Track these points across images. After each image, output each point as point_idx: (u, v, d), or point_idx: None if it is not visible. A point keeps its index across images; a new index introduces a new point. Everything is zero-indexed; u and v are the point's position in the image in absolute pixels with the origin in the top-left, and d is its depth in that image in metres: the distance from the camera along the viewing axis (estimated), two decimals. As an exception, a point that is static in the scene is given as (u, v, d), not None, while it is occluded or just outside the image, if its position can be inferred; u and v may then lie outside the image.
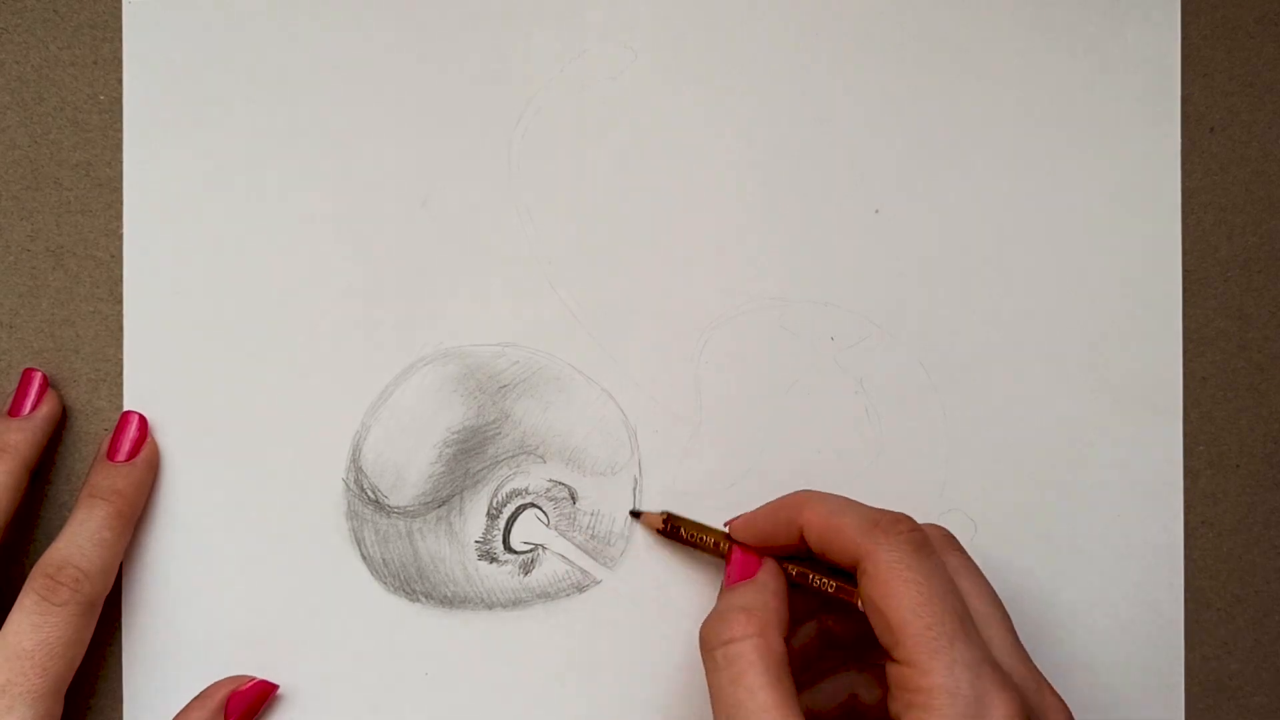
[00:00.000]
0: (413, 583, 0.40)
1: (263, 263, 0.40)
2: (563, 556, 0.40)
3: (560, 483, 0.40)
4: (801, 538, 0.35)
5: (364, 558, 0.40)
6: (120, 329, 0.39)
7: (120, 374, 0.39)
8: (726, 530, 0.39)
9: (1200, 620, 0.41)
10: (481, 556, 0.40)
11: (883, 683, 0.33)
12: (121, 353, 0.39)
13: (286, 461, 0.39)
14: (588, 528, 0.40)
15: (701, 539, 0.39)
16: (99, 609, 0.36)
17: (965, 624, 0.32)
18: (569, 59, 0.40)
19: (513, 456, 0.40)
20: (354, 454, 0.40)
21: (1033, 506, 0.41)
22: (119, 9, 0.39)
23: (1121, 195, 0.42)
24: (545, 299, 0.40)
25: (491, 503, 0.40)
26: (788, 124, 0.41)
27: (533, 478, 0.40)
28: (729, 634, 0.34)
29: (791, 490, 0.38)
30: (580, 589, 0.40)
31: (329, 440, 0.40)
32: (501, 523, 0.40)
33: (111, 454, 0.38)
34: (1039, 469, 0.41)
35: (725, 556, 0.38)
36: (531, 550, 0.40)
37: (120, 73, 0.39)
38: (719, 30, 0.41)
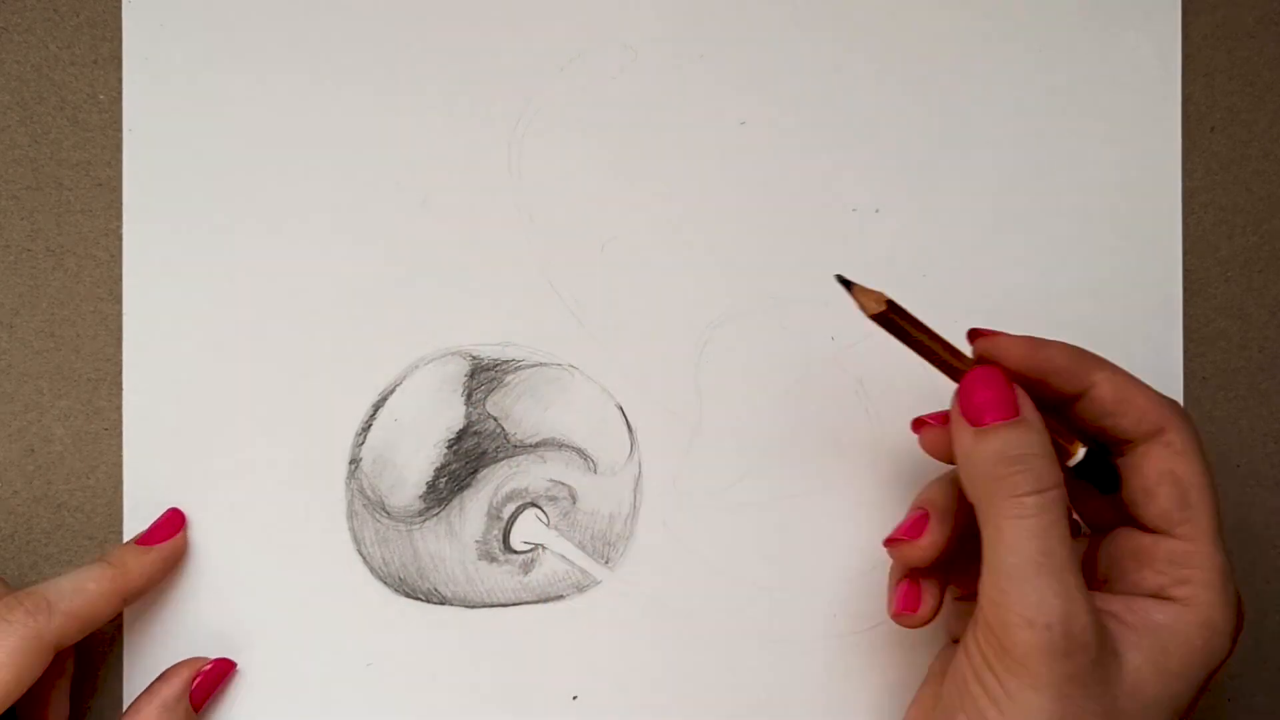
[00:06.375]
0: (413, 582, 0.40)
1: (262, 263, 0.40)
2: (563, 556, 0.40)
3: (560, 483, 0.40)
4: (1066, 396, 0.33)
5: (364, 558, 0.40)
6: (120, 329, 0.39)
7: (120, 374, 0.39)
8: (970, 350, 0.34)
9: (1200, 620, 0.41)
10: (481, 556, 0.40)
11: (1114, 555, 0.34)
12: (121, 353, 0.39)
13: (286, 461, 0.39)
14: (588, 528, 0.40)
15: (930, 346, 0.33)
16: (49, 655, 0.34)
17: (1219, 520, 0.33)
18: (569, 59, 0.40)
19: (513, 456, 0.40)
20: (354, 454, 0.40)
21: (1033, 506, 0.41)
22: (119, 9, 0.39)
23: (1122, 195, 0.42)
24: (545, 299, 0.40)
25: (491, 503, 0.40)
26: (787, 123, 0.41)
27: (533, 478, 0.40)
28: (1045, 481, 0.31)
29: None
30: (580, 589, 0.40)
31: (329, 440, 0.40)
32: (501, 523, 0.40)
33: (141, 539, 0.38)
34: (1039, 469, 0.41)
35: (960, 374, 0.33)
36: (531, 550, 0.40)
37: (120, 73, 0.39)
38: (719, 30, 0.41)
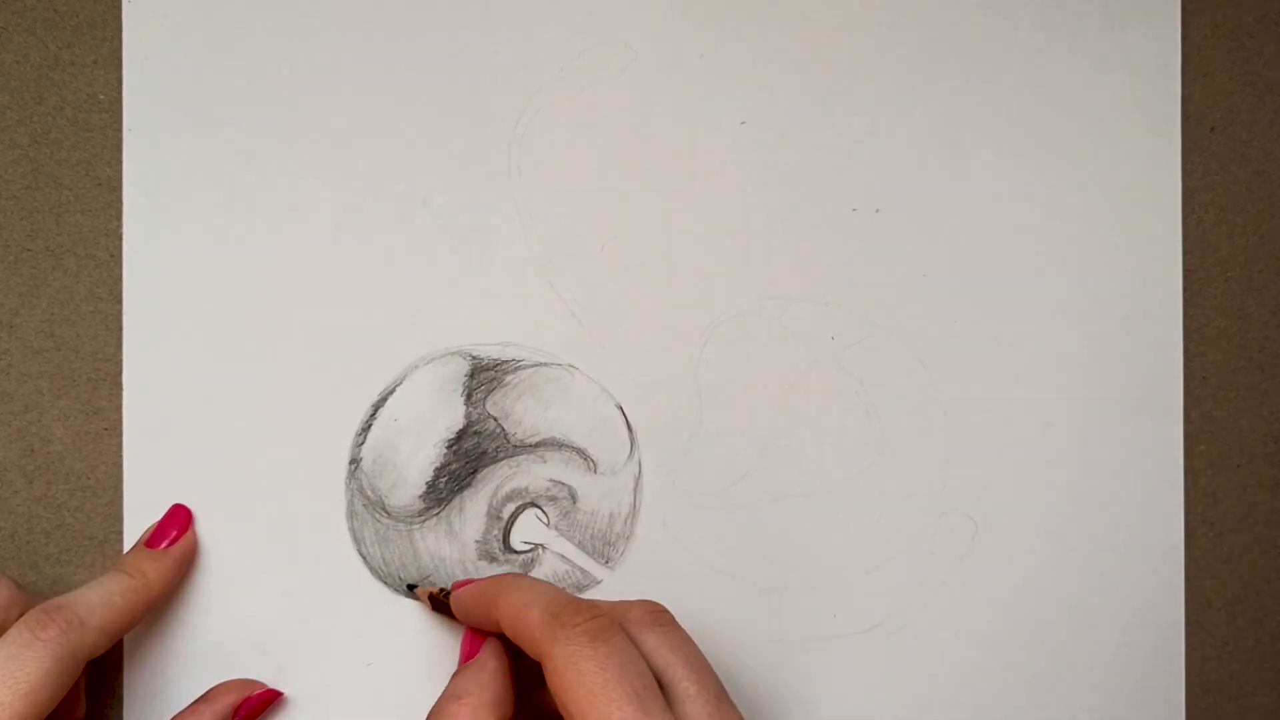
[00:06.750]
0: (413, 582, 0.40)
1: (263, 263, 0.40)
2: (563, 556, 0.40)
3: (560, 483, 0.40)
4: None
5: (364, 557, 0.40)
6: (120, 329, 0.39)
7: (120, 374, 0.39)
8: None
9: (1200, 620, 0.41)
10: (481, 556, 0.40)
11: None
12: (121, 353, 0.39)
13: (286, 462, 0.39)
14: (588, 527, 0.40)
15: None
16: (80, 666, 0.34)
17: (644, 701, 0.31)
18: (569, 59, 0.40)
19: (513, 456, 0.40)
20: (354, 454, 0.40)
21: (1033, 506, 0.41)
22: (119, 9, 0.39)
23: (1122, 195, 0.42)
24: (545, 299, 0.40)
25: (491, 503, 0.40)
26: (787, 123, 0.41)
27: (533, 478, 0.40)
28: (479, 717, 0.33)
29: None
30: (580, 589, 0.40)
31: (329, 440, 0.40)
32: (502, 523, 0.40)
33: (150, 540, 0.38)
34: (1039, 469, 0.41)
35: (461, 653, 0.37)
36: (531, 550, 0.40)
37: (120, 73, 0.39)
38: (719, 29, 0.41)
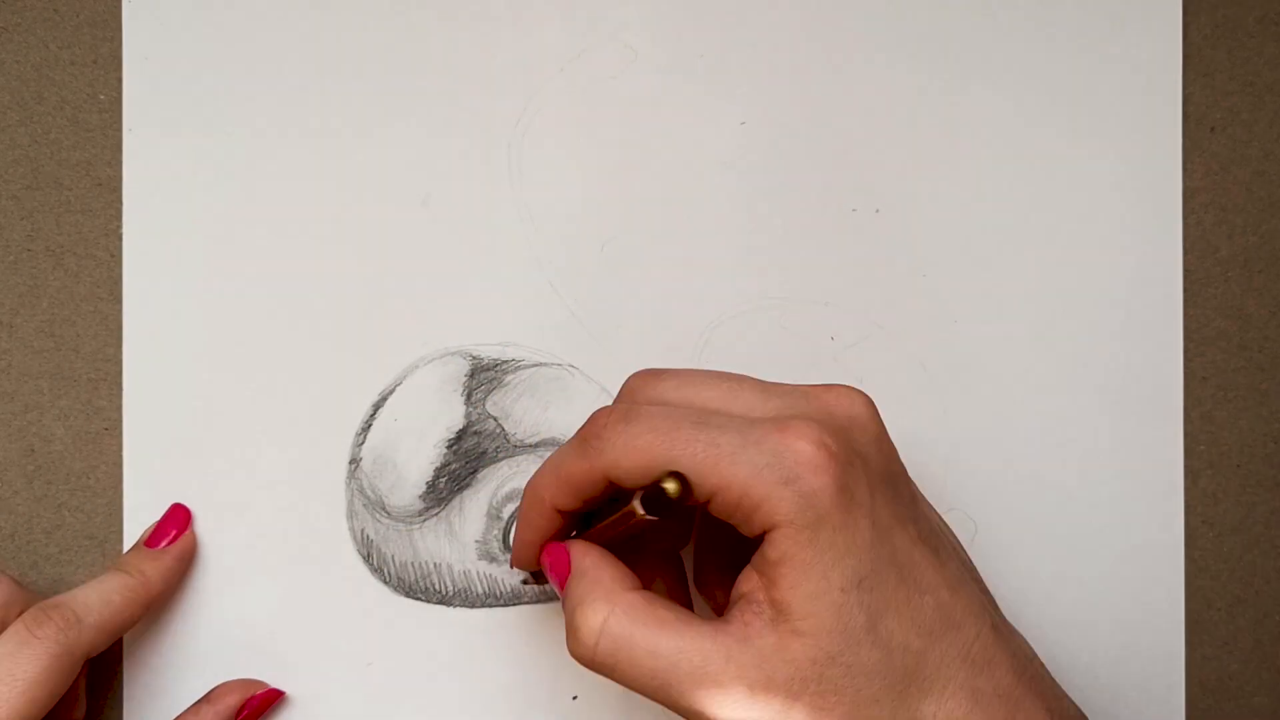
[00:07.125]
0: (412, 582, 0.40)
1: (262, 263, 0.40)
2: (563, 556, 0.40)
3: (560, 483, 0.40)
4: (561, 513, 0.33)
5: (364, 557, 0.40)
6: (120, 329, 0.39)
7: (120, 374, 0.39)
8: (513, 569, 0.39)
9: (1200, 620, 0.41)
10: (481, 556, 0.40)
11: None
12: (121, 353, 0.39)
13: (286, 462, 0.39)
14: (588, 528, 0.40)
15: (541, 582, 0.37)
16: (78, 665, 0.34)
17: (701, 427, 0.30)
18: (569, 59, 0.40)
19: (513, 456, 0.40)
20: (354, 454, 0.40)
21: (1033, 506, 0.41)
22: (119, 9, 0.39)
23: (1122, 195, 0.42)
24: (545, 299, 0.40)
25: (491, 503, 0.40)
26: (787, 123, 0.41)
27: (533, 478, 0.40)
28: (587, 637, 0.31)
29: None
30: (580, 589, 0.40)
31: (329, 440, 0.40)
32: (501, 522, 0.40)
33: (149, 540, 0.38)
34: (1039, 469, 0.41)
35: (554, 582, 0.34)
36: (531, 550, 0.40)
37: (120, 73, 0.39)
38: (719, 30, 0.41)
